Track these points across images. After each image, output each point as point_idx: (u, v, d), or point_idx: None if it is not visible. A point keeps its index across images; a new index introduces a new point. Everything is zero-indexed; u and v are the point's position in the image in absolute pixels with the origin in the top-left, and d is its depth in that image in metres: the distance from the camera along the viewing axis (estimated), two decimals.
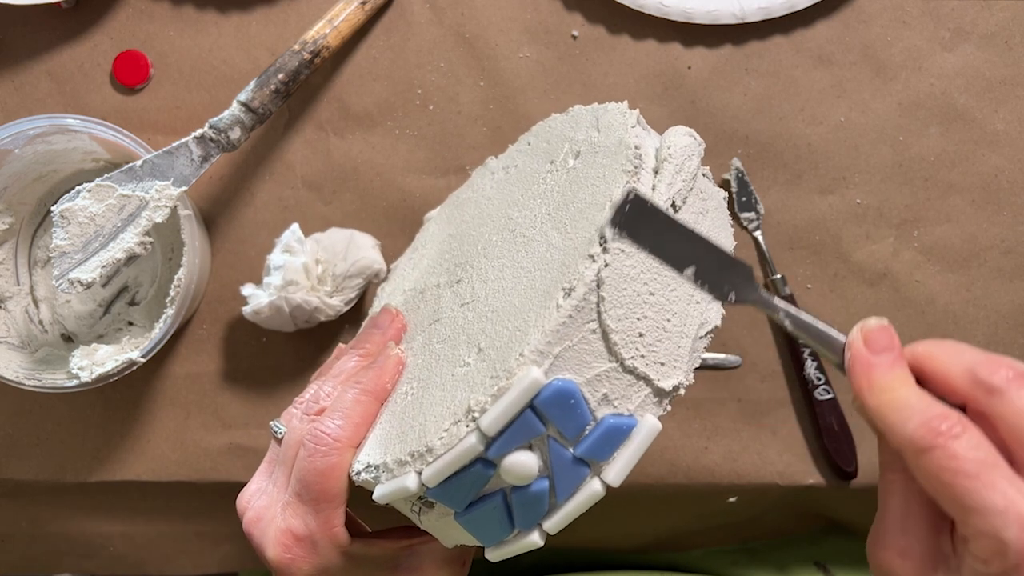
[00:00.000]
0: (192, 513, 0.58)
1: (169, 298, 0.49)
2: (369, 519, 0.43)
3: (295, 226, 0.50)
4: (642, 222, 0.31)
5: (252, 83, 0.50)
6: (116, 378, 0.49)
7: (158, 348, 0.49)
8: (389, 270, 0.52)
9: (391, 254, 0.54)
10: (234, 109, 0.50)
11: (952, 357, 0.31)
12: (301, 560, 0.37)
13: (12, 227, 0.53)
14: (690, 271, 0.32)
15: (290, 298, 0.49)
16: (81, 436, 0.55)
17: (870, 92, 0.55)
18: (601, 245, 0.33)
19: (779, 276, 0.54)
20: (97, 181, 0.46)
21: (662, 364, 0.34)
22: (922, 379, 0.31)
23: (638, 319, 0.33)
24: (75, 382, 0.49)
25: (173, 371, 0.55)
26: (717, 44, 0.55)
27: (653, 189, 0.35)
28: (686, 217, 0.37)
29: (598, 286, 0.33)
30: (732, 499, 0.56)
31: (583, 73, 0.55)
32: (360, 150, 0.55)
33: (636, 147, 0.36)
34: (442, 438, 0.33)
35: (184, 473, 0.55)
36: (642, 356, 0.33)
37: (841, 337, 0.33)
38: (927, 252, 0.55)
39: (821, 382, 0.54)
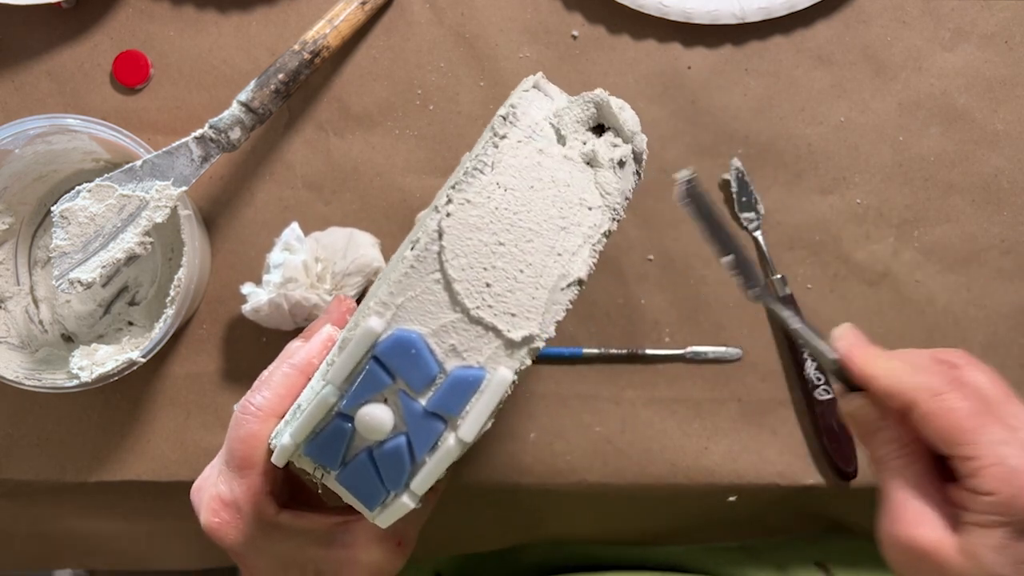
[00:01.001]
0: (193, 513, 0.58)
1: (169, 298, 0.49)
2: None
3: (294, 224, 0.50)
4: (701, 204, 0.37)
5: (252, 83, 0.50)
6: (116, 378, 0.49)
7: (158, 348, 0.49)
8: None
9: (391, 253, 0.54)
10: (234, 109, 0.50)
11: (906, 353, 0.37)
12: (227, 525, 0.39)
13: (12, 227, 0.53)
14: (730, 258, 0.38)
15: (289, 295, 0.49)
16: (81, 436, 0.55)
17: (870, 92, 0.55)
18: (447, 197, 0.33)
19: (779, 276, 0.54)
20: (97, 181, 0.46)
21: (512, 315, 0.34)
22: None
23: (484, 269, 0.33)
24: (75, 382, 0.49)
25: (173, 371, 0.55)
26: (717, 44, 0.55)
27: (519, 143, 0.36)
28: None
29: (440, 236, 0.33)
30: (732, 498, 0.56)
31: (583, 73, 0.55)
32: (360, 150, 0.55)
33: (512, 105, 0.36)
34: (307, 395, 0.34)
35: (184, 473, 0.55)
36: (489, 306, 0.33)
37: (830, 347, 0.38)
38: (927, 252, 0.55)
39: (821, 382, 0.54)
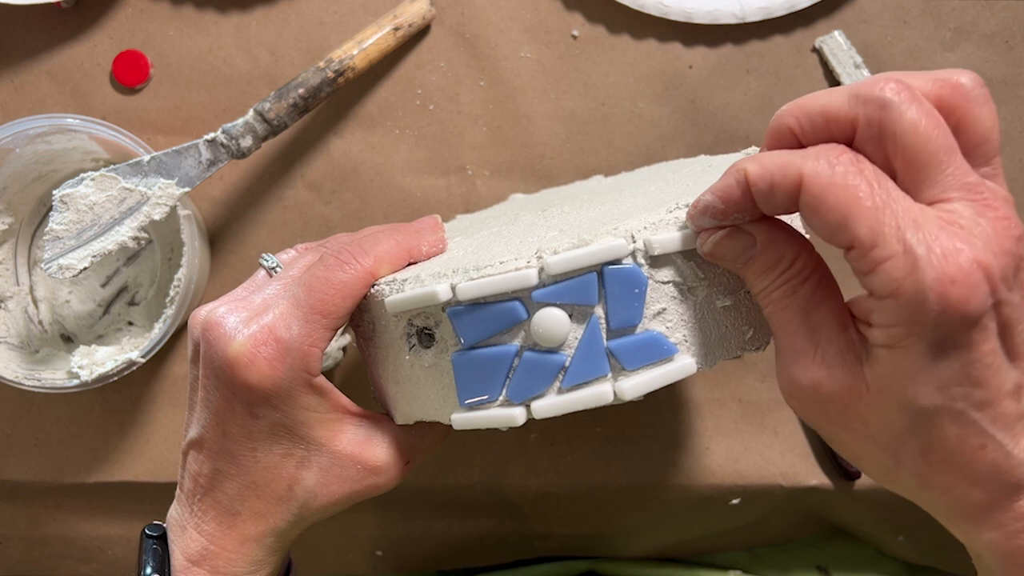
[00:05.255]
0: None
1: (169, 298, 0.49)
2: None
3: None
4: None
5: (272, 94, 0.50)
6: (115, 378, 0.49)
7: (158, 348, 0.49)
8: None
9: None
10: (249, 117, 0.49)
11: (827, 93, 0.29)
12: (263, 361, 0.35)
13: (12, 227, 0.53)
14: None
15: None
16: (80, 437, 0.55)
17: None
18: None
19: None
20: (102, 171, 0.46)
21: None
22: (806, 132, 0.29)
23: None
24: (75, 382, 0.49)
25: (173, 371, 0.55)
26: (718, 44, 0.55)
27: None
28: None
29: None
30: (735, 501, 0.55)
31: (583, 73, 0.55)
32: (360, 150, 0.55)
33: None
34: (501, 263, 0.32)
35: None
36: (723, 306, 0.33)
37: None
38: None
39: None
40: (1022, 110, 0.55)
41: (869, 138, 0.27)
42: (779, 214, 0.30)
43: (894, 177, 0.27)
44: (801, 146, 0.30)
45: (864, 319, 0.28)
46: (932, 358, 0.26)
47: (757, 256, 0.30)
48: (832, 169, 0.26)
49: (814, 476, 0.54)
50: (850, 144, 0.28)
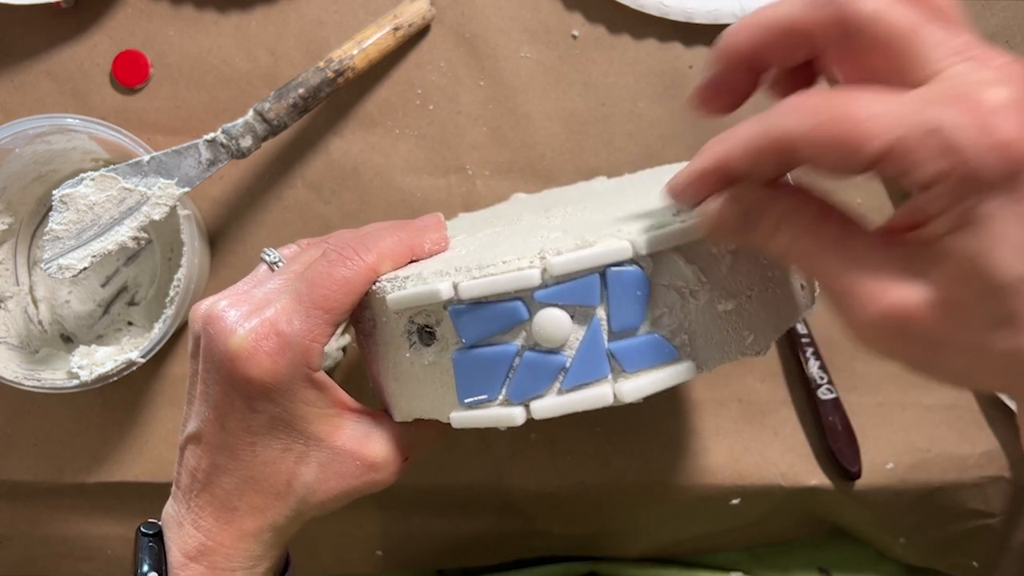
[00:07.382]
0: None
1: (168, 298, 0.49)
2: None
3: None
4: None
5: (271, 94, 0.50)
6: (115, 378, 0.49)
7: (157, 348, 0.49)
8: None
9: None
10: (249, 117, 0.49)
11: (778, 4, 0.28)
12: (264, 355, 0.35)
13: (11, 227, 0.53)
14: None
15: None
16: (80, 437, 0.55)
17: None
18: None
19: None
20: (102, 171, 0.46)
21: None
22: (761, 54, 0.29)
23: (757, 282, 0.33)
24: (75, 382, 0.49)
25: (173, 371, 0.55)
26: None
27: None
28: None
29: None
30: (735, 501, 0.55)
31: (583, 73, 0.55)
32: (360, 150, 0.55)
33: None
34: (504, 262, 0.32)
35: None
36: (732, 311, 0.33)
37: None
38: None
39: (824, 381, 0.53)
40: None
41: (836, 41, 0.26)
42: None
43: (876, 78, 0.26)
44: (754, 73, 0.29)
45: (919, 221, 0.25)
46: (1005, 222, 0.23)
47: (761, 218, 0.28)
48: (816, 112, 0.25)
49: (814, 476, 0.54)
50: (810, 59, 0.27)
